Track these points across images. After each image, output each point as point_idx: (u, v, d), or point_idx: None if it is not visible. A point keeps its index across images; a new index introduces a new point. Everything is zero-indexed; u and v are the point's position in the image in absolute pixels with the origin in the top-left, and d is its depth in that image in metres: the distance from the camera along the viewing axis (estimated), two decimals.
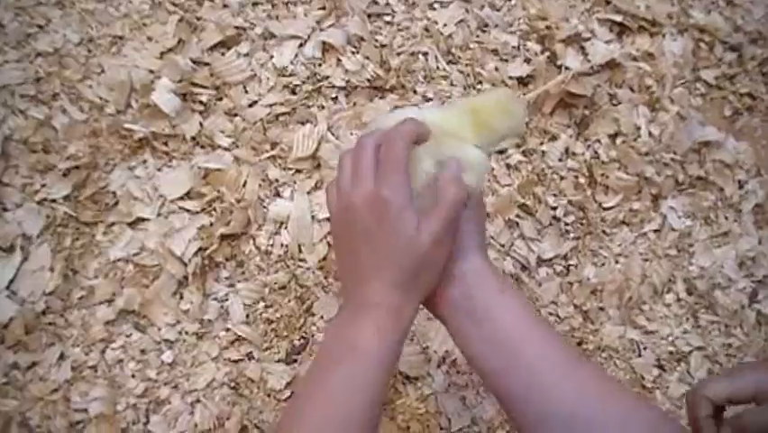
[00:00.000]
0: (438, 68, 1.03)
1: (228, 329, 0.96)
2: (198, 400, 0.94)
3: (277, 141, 0.99)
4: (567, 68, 1.04)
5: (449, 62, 1.04)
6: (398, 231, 0.63)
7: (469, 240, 0.68)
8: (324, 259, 0.97)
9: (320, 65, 1.02)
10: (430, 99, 1.02)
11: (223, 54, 1.01)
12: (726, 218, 1.06)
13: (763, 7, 1.12)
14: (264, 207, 0.99)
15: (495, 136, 0.70)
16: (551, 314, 1.00)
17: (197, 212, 0.97)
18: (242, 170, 0.98)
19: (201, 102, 0.99)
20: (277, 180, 0.99)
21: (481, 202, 0.72)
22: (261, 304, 0.96)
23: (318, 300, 0.97)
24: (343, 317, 0.67)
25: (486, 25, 1.05)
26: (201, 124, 0.99)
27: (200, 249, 0.94)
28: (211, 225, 0.96)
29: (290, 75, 1.01)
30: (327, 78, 1.01)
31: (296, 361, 0.96)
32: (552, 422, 0.63)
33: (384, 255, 0.64)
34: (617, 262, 1.03)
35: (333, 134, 1.00)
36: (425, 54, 1.03)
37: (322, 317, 0.97)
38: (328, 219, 0.97)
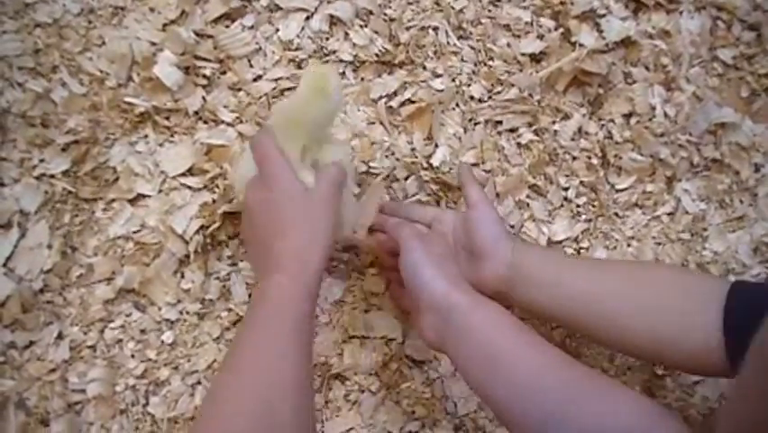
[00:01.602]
0: (449, 43, 1.00)
1: (230, 309, 0.94)
2: (199, 382, 0.92)
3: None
4: (581, 45, 1.00)
5: (459, 37, 1.01)
6: (290, 203, 0.76)
7: (425, 275, 0.77)
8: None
9: (327, 39, 0.99)
10: (440, 75, 0.99)
11: (227, 27, 0.98)
12: (742, 202, 1.03)
13: None
14: None
15: (320, 124, 0.80)
16: None
17: (200, 189, 0.94)
18: (245, 147, 0.95)
19: (204, 76, 0.96)
20: None
21: (428, 238, 0.83)
22: None
23: (323, 283, 0.95)
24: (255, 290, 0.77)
25: (498, 0, 1.02)
26: (204, 99, 0.96)
27: (202, 227, 0.92)
28: (213, 201, 0.93)
29: (296, 49, 0.98)
30: (334, 52, 0.98)
31: None
32: (539, 416, 0.65)
33: (282, 224, 0.76)
34: (629, 245, 1.01)
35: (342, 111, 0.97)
36: (436, 29, 1.00)
37: (326, 298, 0.95)
38: None
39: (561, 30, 1.02)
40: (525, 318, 0.91)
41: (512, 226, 0.99)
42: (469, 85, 1.00)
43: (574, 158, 1.01)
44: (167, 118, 0.95)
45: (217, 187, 0.95)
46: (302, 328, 0.72)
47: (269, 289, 0.73)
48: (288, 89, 0.97)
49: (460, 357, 0.75)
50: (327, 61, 0.98)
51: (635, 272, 0.84)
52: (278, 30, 0.98)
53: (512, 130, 1.00)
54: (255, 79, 0.97)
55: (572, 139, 1.01)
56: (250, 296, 0.94)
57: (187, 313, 0.93)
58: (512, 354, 0.70)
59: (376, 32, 0.99)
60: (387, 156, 0.97)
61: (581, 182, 1.00)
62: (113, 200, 0.94)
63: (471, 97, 1.00)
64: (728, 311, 0.72)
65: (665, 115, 1.02)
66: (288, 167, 0.77)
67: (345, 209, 0.83)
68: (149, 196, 0.94)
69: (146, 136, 0.95)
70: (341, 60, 0.99)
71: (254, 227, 0.79)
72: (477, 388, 0.73)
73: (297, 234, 0.75)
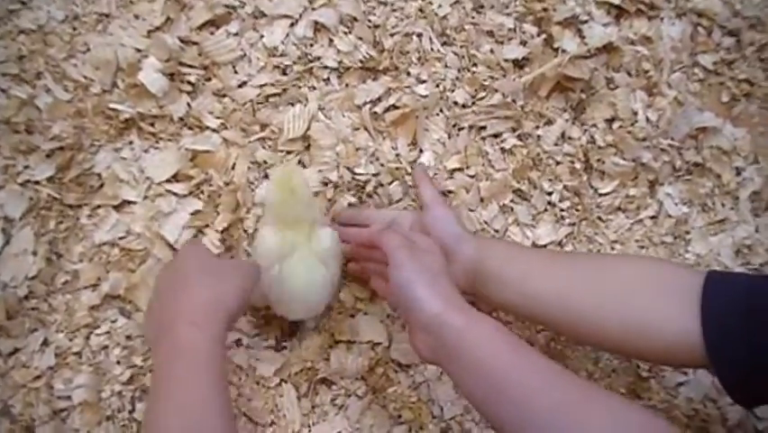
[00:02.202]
0: (432, 49, 1.01)
1: None
2: None
3: (266, 122, 0.97)
4: (564, 50, 1.02)
5: (443, 44, 1.02)
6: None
7: (415, 291, 0.73)
8: None
9: (311, 45, 0.99)
10: (424, 81, 1.00)
11: (212, 33, 0.98)
12: (723, 205, 1.04)
13: None
14: (252, 189, 0.96)
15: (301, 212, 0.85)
16: None
17: (185, 195, 0.94)
18: (230, 152, 0.96)
19: (189, 82, 0.96)
20: (266, 162, 0.96)
21: (409, 256, 0.76)
22: None
23: None
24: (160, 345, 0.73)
25: (481, 6, 1.03)
26: (189, 105, 0.96)
27: (194, 236, 0.93)
28: (199, 212, 0.93)
29: (281, 55, 0.99)
30: (319, 58, 0.99)
31: (285, 348, 0.94)
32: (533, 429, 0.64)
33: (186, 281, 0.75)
34: (612, 248, 1.02)
35: (324, 116, 0.98)
36: (420, 35, 1.01)
37: None
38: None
39: (543, 36, 1.03)
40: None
41: (496, 231, 0.99)
42: (453, 90, 1.01)
43: (558, 162, 1.01)
44: (152, 124, 0.96)
45: (202, 192, 0.95)
46: (218, 376, 0.71)
47: (179, 341, 0.70)
48: (273, 95, 0.98)
49: (455, 375, 0.73)
50: (288, 161, 0.99)
51: (604, 265, 0.84)
52: (262, 36, 0.99)
53: (496, 135, 1.01)
54: (240, 86, 0.98)
55: (556, 144, 1.02)
56: None
57: None
58: (507, 376, 0.67)
59: (360, 39, 0.99)
60: (371, 162, 0.98)
61: (565, 187, 1.01)
62: (98, 207, 0.94)
63: (455, 103, 1.01)
64: (705, 301, 0.72)
65: (647, 119, 1.03)
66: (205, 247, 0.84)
67: (317, 290, 0.88)
68: (134, 202, 0.94)
69: (131, 142, 0.95)
70: (325, 67, 0.99)
71: (158, 300, 0.78)
72: (475, 405, 0.72)
73: (202, 289, 0.74)
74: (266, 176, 0.97)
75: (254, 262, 0.83)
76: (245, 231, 0.95)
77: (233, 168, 0.95)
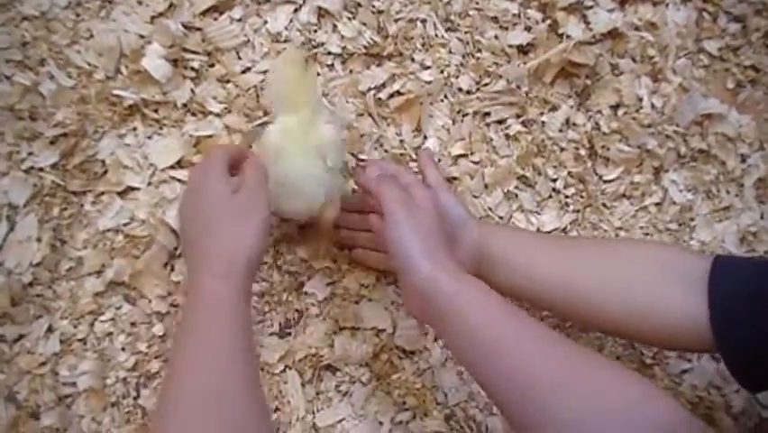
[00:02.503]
0: (437, 35, 1.01)
1: None
2: None
3: (270, 108, 0.97)
4: (569, 36, 1.01)
5: (448, 29, 1.01)
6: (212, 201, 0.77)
7: (409, 250, 0.73)
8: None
9: (315, 31, 0.99)
10: (428, 67, 1.00)
11: (215, 19, 0.98)
12: (728, 192, 1.04)
13: None
14: None
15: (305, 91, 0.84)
16: None
17: None
18: (234, 138, 0.95)
19: (193, 68, 0.96)
20: None
21: (409, 210, 0.76)
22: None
23: (313, 276, 0.95)
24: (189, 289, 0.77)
25: None
26: (193, 91, 0.96)
27: None
28: None
29: (285, 41, 0.98)
30: (323, 44, 0.99)
31: (289, 334, 0.94)
32: (532, 399, 0.63)
33: (208, 222, 0.76)
34: (617, 235, 1.01)
35: (328, 101, 0.97)
36: (424, 21, 1.01)
37: (315, 294, 0.95)
38: None
39: (548, 22, 1.02)
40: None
41: (501, 217, 0.99)
42: (457, 76, 1.01)
43: (562, 149, 1.01)
44: (155, 111, 0.95)
45: None
46: (242, 327, 0.73)
47: (203, 292, 0.73)
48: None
49: (447, 339, 0.75)
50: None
51: (609, 248, 0.85)
52: (266, 22, 0.98)
53: (500, 121, 1.01)
54: (243, 71, 0.98)
55: (560, 130, 1.01)
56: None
57: (178, 306, 0.93)
58: (500, 344, 0.67)
59: (364, 24, 0.99)
60: (375, 148, 0.98)
61: (569, 173, 1.01)
62: (102, 193, 0.94)
63: (460, 89, 1.00)
64: (712, 285, 0.72)
65: (652, 106, 1.02)
66: (221, 170, 0.79)
67: (315, 182, 0.85)
68: (138, 188, 0.94)
69: (135, 129, 0.95)
70: (329, 53, 0.99)
71: (185, 224, 0.81)
72: (467, 368, 0.73)
73: (223, 233, 0.75)
74: None
75: (265, 201, 0.79)
76: None
77: None
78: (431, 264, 0.72)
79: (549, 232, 1.00)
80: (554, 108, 1.02)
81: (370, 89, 0.98)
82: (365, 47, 0.98)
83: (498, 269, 0.84)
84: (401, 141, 0.98)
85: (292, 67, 0.83)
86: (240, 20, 0.98)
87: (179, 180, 0.94)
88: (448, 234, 0.80)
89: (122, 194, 0.94)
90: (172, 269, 0.93)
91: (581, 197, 1.01)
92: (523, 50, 1.02)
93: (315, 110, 0.85)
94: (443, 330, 0.74)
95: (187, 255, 0.82)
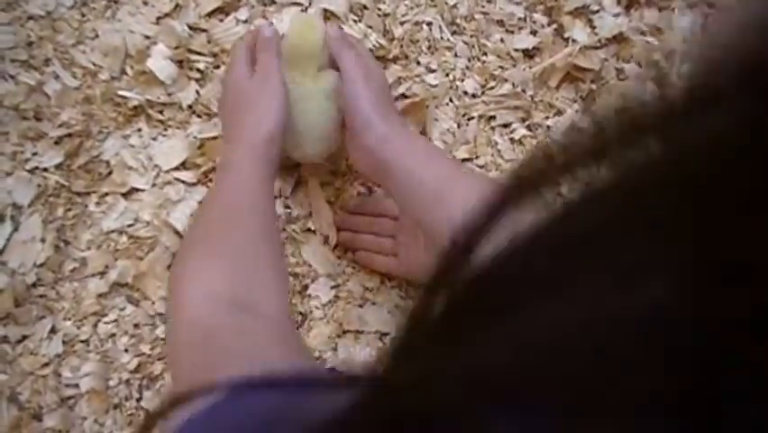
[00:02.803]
0: (442, 38, 1.01)
1: None
2: None
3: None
4: (574, 40, 1.01)
5: (453, 33, 1.01)
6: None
7: (365, 108, 0.79)
8: (327, 238, 0.95)
9: None
10: (434, 70, 1.00)
11: (221, 20, 0.98)
12: None
13: None
14: None
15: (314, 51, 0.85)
16: None
17: (194, 183, 0.94)
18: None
19: (198, 69, 0.96)
20: None
21: (367, 72, 0.82)
22: None
23: (317, 279, 0.95)
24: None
25: None
26: (198, 93, 0.96)
27: None
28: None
29: None
30: None
31: None
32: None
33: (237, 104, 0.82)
34: None
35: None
36: (429, 24, 1.01)
37: (319, 297, 0.95)
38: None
39: (554, 26, 1.02)
40: None
41: None
42: (462, 80, 1.00)
43: None
44: (160, 112, 0.95)
45: (210, 180, 0.94)
46: (263, 191, 0.77)
47: (227, 163, 0.80)
48: None
49: (395, 193, 0.79)
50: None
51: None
52: (271, 24, 0.98)
53: (505, 125, 1.01)
54: None
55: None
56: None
57: None
58: (441, 190, 0.73)
59: (370, 27, 0.99)
60: None
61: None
62: (106, 194, 0.94)
63: (465, 93, 1.00)
64: None
65: None
66: (239, 58, 0.84)
67: (330, 123, 0.87)
68: (142, 190, 0.94)
69: (139, 130, 0.95)
70: None
71: (219, 111, 0.90)
72: (414, 216, 0.78)
73: (243, 114, 0.81)
74: None
75: (276, 77, 0.83)
76: None
77: None
78: (383, 123, 0.78)
79: None
80: (560, 112, 1.01)
81: None
82: (371, 49, 0.98)
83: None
84: None
85: (303, 35, 0.85)
86: (246, 21, 0.98)
87: (184, 182, 0.94)
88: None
89: (126, 195, 0.94)
90: None
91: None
92: (528, 53, 1.02)
93: (322, 65, 0.87)
94: (391, 185, 0.78)
95: (223, 141, 0.90)
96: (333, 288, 0.95)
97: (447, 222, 0.70)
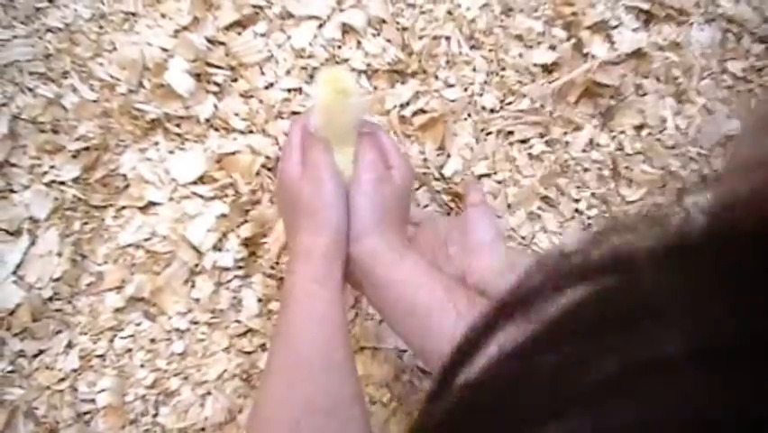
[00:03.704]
0: (461, 53, 1.00)
1: (239, 321, 0.93)
2: (209, 393, 0.91)
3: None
4: (593, 56, 1.00)
5: (472, 47, 1.01)
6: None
7: (360, 222, 0.74)
8: None
9: (339, 47, 0.98)
10: (452, 85, 0.99)
11: (239, 34, 0.97)
12: None
13: None
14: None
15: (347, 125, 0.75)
16: None
17: (211, 198, 0.93)
18: (255, 159, 0.95)
19: (216, 83, 0.95)
20: None
21: (375, 181, 0.75)
22: (274, 293, 0.94)
23: None
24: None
25: (510, 10, 1.02)
26: (215, 106, 0.95)
27: (219, 240, 0.92)
28: (225, 216, 0.92)
29: (308, 56, 0.97)
30: (347, 60, 0.98)
31: None
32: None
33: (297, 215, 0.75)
34: None
35: None
36: (448, 38, 1.00)
37: None
38: None
39: (573, 40, 1.01)
40: None
41: (523, 238, 0.98)
42: (481, 95, 1.00)
43: (586, 169, 1.01)
44: (178, 125, 0.95)
45: (226, 196, 0.94)
46: (330, 316, 0.71)
47: (293, 279, 0.73)
48: (299, 93, 0.97)
49: (381, 306, 0.75)
50: (337, 63, 0.98)
51: None
52: (290, 37, 0.98)
53: (524, 141, 1.00)
54: (267, 87, 0.97)
55: (584, 150, 1.01)
56: (260, 301, 0.93)
57: (197, 323, 0.92)
58: (427, 308, 0.69)
59: (389, 41, 0.98)
60: None
61: (593, 194, 1.00)
62: (123, 208, 0.93)
63: (483, 108, 1.00)
64: None
65: (676, 127, 1.02)
66: (289, 157, 0.76)
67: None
68: (160, 204, 0.93)
69: (157, 143, 0.95)
70: (353, 69, 0.98)
71: (278, 195, 0.82)
72: (402, 336, 0.74)
73: (297, 217, 0.75)
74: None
75: (326, 172, 0.74)
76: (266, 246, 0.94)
77: (257, 174, 0.94)
78: (378, 238, 0.74)
79: None
80: (578, 128, 1.01)
81: (394, 107, 0.97)
82: (389, 63, 0.98)
83: None
84: (424, 159, 0.97)
85: (336, 88, 0.74)
86: (264, 35, 0.97)
87: (201, 196, 0.94)
88: (471, 245, 0.84)
89: (143, 209, 0.93)
90: (193, 285, 0.93)
91: (604, 218, 1.01)
92: (547, 68, 1.01)
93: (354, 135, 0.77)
94: (375, 298, 0.75)
95: (286, 236, 0.85)
96: (351, 306, 0.95)
97: (435, 342, 0.67)
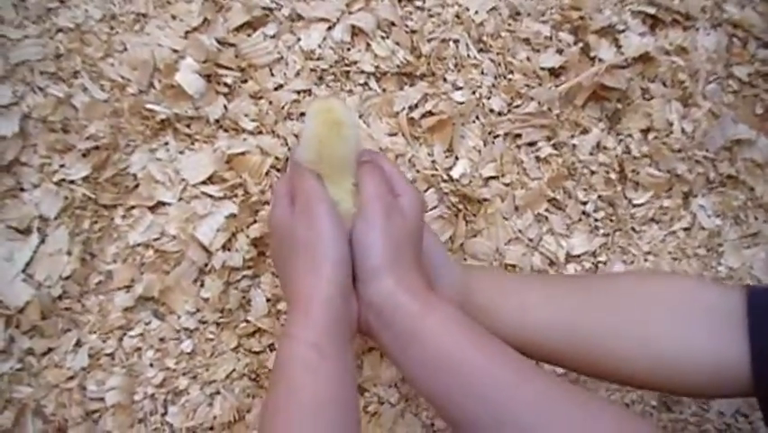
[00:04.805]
0: (469, 56, 1.01)
1: (248, 321, 0.93)
2: (218, 392, 0.92)
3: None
4: (600, 60, 1.01)
5: (480, 50, 1.01)
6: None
7: (370, 260, 0.66)
8: None
9: (349, 49, 0.99)
10: (460, 88, 0.99)
11: (249, 35, 0.97)
12: (756, 218, 1.04)
13: None
14: None
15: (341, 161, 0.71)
16: None
17: (220, 198, 0.94)
18: (265, 159, 0.95)
19: (226, 84, 0.96)
20: None
21: (383, 213, 0.68)
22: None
23: None
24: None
25: (518, 13, 1.03)
26: (225, 107, 0.96)
27: (228, 240, 0.92)
28: (234, 216, 0.93)
29: (318, 59, 0.98)
30: (356, 62, 0.98)
31: None
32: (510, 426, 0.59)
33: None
34: (646, 260, 1.01)
35: (363, 122, 0.97)
36: (456, 42, 1.00)
37: None
38: None
39: (580, 44, 1.02)
40: None
41: (530, 240, 0.99)
42: (489, 98, 1.00)
43: (593, 172, 1.01)
44: (188, 126, 0.95)
45: (236, 196, 0.94)
46: (334, 390, 0.63)
47: (288, 363, 0.64)
48: (308, 95, 0.97)
49: (406, 365, 0.66)
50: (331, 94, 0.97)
51: (616, 286, 0.75)
52: (299, 39, 0.98)
53: (531, 144, 1.01)
54: (276, 88, 0.97)
55: (591, 153, 1.01)
56: (269, 301, 0.93)
57: (207, 322, 0.93)
58: (475, 370, 0.62)
59: (397, 44, 0.99)
60: (408, 168, 0.97)
61: (599, 197, 1.01)
62: (132, 207, 0.94)
63: (491, 110, 1.00)
64: (754, 319, 0.64)
65: (683, 130, 1.02)
66: (278, 200, 0.72)
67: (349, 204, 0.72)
68: (169, 204, 0.94)
69: (167, 144, 0.95)
70: (362, 71, 0.98)
71: (273, 251, 0.77)
72: (431, 399, 0.65)
73: (291, 264, 0.68)
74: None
75: (319, 210, 0.67)
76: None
77: (267, 173, 0.95)
78: (394, 280, 0.66)
79: (578, 255, 1.00)
80: (585, 131, 1.02)
81: (403, 109, 0.98)
82: (398, 66, 0.98)
83: (483, 318, 0.74)
84: (433, 161, 0.98)
85: (329, 120, 0.70)
86: (273, 36, 0.98)
87: (210, 196, 0.94)
88: (427, 278, 0.72)
89: (152, 208, 0.94)
90: (202, 285, 0.93)
91: (611, 220, 1.01)
92: (554, 72, 1.02)
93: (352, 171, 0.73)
94: (401, 354, 0.66)
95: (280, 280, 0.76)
96: None
97: (474, 404, 0.61)
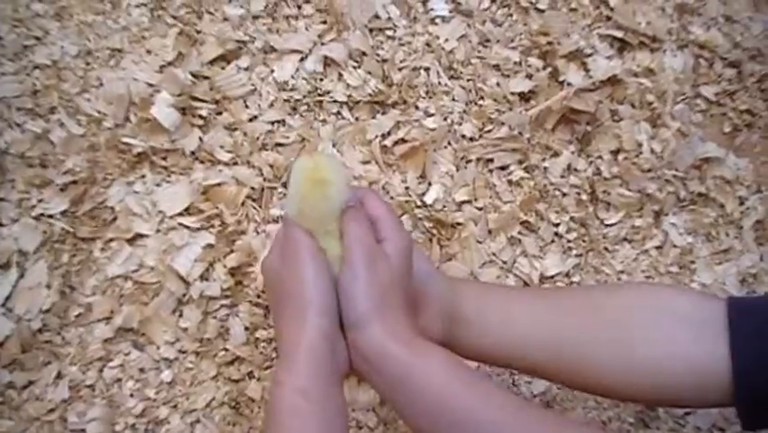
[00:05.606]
0: (440, 83, 1.02)
1: (227, 349, 0.94)
2: (198, 421, 0.93)
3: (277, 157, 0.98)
4: (569, 83, 1.03)
5: (451, 77, 1.03)
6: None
7: (359, 307, 0.66)
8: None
9: (321, 80, 1.00)
10: (432, 114, 1.01)
11: (223, 68, 0.99)
12: (728, 235, 1.05)
13: (761, 24, 1.11)
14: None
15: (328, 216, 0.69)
16: None
17: (197, 229, 0.95)
18: (241, 189, 0.97)
19: (201, 116, 0.97)
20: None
21: (367, 261, 0.67)
22: (261, 321, 0.95)
23: None
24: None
25: (487, 41, 1.05)
26: (201, 139, 0.97)
27: (206, 270, 0.93)
28: (211, 246, 0.94)
29: (291, 89, 1.00)
30: (329, 92, 1.00)
31: None
32: None
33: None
34: (619, 278, 1.03)
35: (337, 150, 0.99)
36: (427, 69, 1.02)
37: None
38: None
39: (549, 69, 1.04)
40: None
41: (504, 262, 1.00)
42: (460, 124, 1.02)
43: (564, 194, 1.03)
44: (164, 158, 0.97)
45: (212, 227, 0.96)
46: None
47: (277, 407, 0.64)
48: (282, 126, 0.99)
49: (395, 404, 0.67)
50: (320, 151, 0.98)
51: (597, 296, 0.76)
52: (273, 71, 1.00)
53: (503, 167, 1.02)
54: (251, 120, 0.99)
55: (562, 176, 1.03)
56: (247, 329, 0.94)
57: (186, 352, 0.94)
58: (468, 414, 0.62)
59: (369, 73, 1.01)
60: (382, 195, 0.99)
61: (572, 218, 1.02)
62: (111, 240, 0.95)
63: (463, 136, 1.02)
64: (735, 327, 0.65)
65: (652, 150, 1.04)
66: (273, 247, 0.72)
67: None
68: (147, 235, 0.95)
69: (143, 176, 0.97)
70: (335, 101, 1.00)
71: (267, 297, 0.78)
72: (418, 431, 0.66)
73: (281, 313, 0.68)
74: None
75: (302, 256, 0.67)
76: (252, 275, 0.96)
77: (243, 204, 0.96)
78: (381, 328, 0.65)
79: (552, 276, 1.01)
80: (556, 154, 1.03)
81: (376, 137, 0.99)
82: (370, 95, 1.00)
83: (469, 330, 0.76)
84: (406, 188, 0.99)
85: (313, 179, 0.69)
86: (247, 69, 1.00)
87: (187, 227, 0.95)
88: (414, 291, 0.72)
89: (131, 241, 0.95)
90: (180, 315, 0.94)
91: (584, 241, 1.03)
92: (524, 97, 1.04)
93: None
94: (390, 395, 0.67)
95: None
96: None
97: None
